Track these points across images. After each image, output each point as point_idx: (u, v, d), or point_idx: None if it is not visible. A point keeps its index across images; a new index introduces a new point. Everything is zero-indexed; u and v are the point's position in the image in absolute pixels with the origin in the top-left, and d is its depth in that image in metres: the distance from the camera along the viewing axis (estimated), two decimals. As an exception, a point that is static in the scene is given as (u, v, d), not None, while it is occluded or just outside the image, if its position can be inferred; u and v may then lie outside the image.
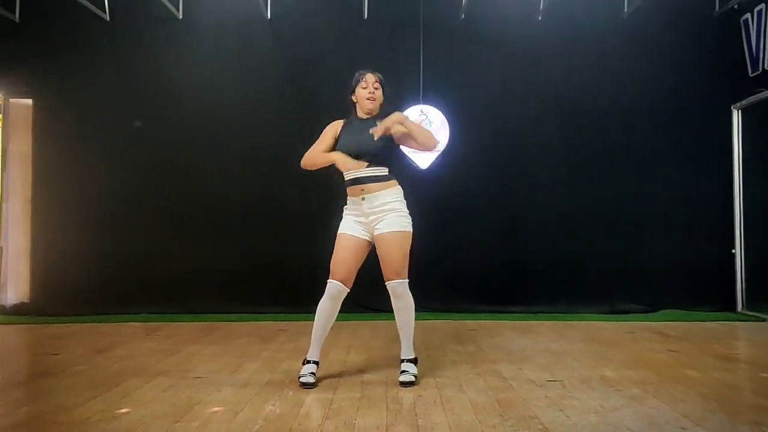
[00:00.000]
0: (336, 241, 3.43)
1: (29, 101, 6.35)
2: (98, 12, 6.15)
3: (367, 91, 3.45)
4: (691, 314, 5.93)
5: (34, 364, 4.05)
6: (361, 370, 3.68)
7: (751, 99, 5.96)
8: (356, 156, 3.36)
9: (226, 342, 4.62)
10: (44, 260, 6.26)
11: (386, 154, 3.42)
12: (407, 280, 3.37)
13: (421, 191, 5.97)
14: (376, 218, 3.36)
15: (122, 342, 4.60)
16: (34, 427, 2.63)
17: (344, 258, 3.36)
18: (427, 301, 6.08)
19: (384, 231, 3.34)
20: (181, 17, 6.33)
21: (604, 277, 6.23)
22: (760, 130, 6.02)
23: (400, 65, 6.25)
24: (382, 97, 3.51)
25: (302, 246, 6.14)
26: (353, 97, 3.53)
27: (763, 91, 5.79)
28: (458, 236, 6.18)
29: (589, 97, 6.26)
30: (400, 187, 3.45)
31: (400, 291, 3.35)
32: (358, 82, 3.49)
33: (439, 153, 6.15)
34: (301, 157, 3.56)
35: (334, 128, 3.54)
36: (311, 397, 3.08)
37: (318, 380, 3.34)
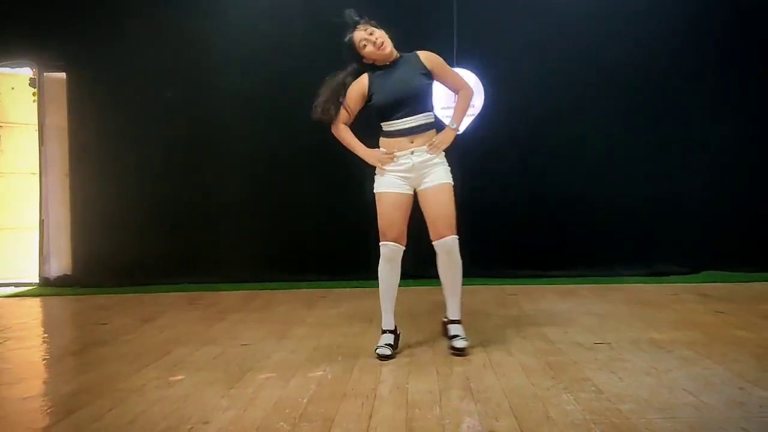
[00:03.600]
0: (378, 200, 3.27)
1: (63, 75, 6.37)
2: (131, -19, 6.11)
3: (371, 41, 3.23)
4: (732, 275, 5.82)
5: (84, 333, 4.14)
6: (406, 336, 3.68)
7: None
8: (397, 107, 3.20)
9: (269, 309, 4.66)
10: (84, 233, 6.35)
11: (430, 95, 3.27)
12: (457, 237, 3.26)
13: (456, 155, 5.94)
14: (426, 171, 3.23)
15: (166, 311, 4.67)
16: (94, 393, 2.69)
17: (393, 216, 3.22)
18: (465, 266, 6.08)
19: (434, 183, 3.22)
20: (213, -14, 6.26)
21: (643, 239, 6.13)
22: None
23: (434, 28, 6.11)
24: (384, 33, 3.28)
25: (339, 213, 6.15)
26: (364, 61, 3.31)
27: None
28: (494, 201, 6.10)
29: (627, 61, 6.01)
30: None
31: (453, 246, 3.22)
32: (353, 45, 3.29)
33: (474, 117, 6.06)
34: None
35: (360, 88, 3.29)
36: (361, 362, 3.10)
37: (395, 351, 3.25)
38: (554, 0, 6.12)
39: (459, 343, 3.18)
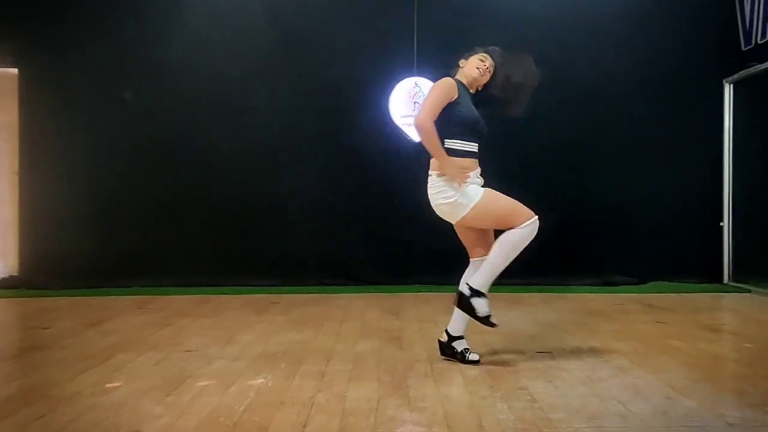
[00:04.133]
0: (490, 194, 3.28)
1: (15, 70, 6.24)
2: (85, -21, 6.03)
3: (484, 66, 3.35)
4: (679, 285, 5.99)
5: (24, 337, 4.06)
6: (354, 342, 3.70)
7: (743, 73, 5.94)
8: (478, 132, 3.30)
9: (218, 314, 4.63)
10: (33, 233, 6.22)
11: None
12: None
13: (414, 164, 5.98)
14: None
15: (113, 315, 4.60)
16: (25, 400, 2.64)
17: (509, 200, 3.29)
18: (423, 275, 6.14)
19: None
20: (170, -13, 6.21)
21: (594, 249, 6.28)
22: (751, 105, 6.02)
23: (395, 37, 6.19)
24: (471, 69, 3.38)
25: (295, 219, 6.18)
26: (462, 63, 3.40)
27: (755, 65, 5.77)
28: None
29: (582, 70, 6.22)
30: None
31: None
32: (475, 53, 3.40)
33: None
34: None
35: (449, 90, 3.21)
36: (303, 370, 3.10)
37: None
38: (513, 11, 6.22)
39: (472, 356, 3.27)
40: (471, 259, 3.45)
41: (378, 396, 2.69)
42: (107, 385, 2.84)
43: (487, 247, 3.32)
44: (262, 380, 2.92)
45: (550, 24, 6.21)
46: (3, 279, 6.13)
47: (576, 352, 3.45)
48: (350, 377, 2.98)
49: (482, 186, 3.32)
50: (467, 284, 3.23)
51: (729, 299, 5.50)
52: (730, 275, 6.21)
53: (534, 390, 2.76)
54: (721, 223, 6.26)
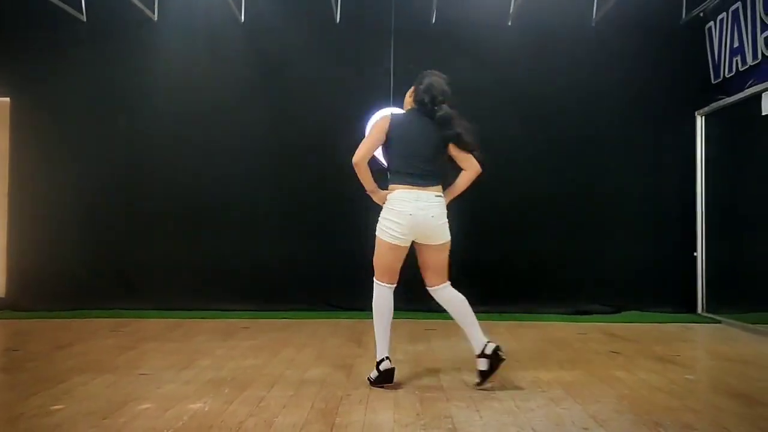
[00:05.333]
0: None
1: (7, 99, 6.48)
2: (75, 13, 6.26)
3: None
4: (652, 316, 6.03)
5: (-8, 359, 4.20)
6: (305, 369, 3.80)
7: (714, 105, 6.04)
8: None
9: (186, 339, 4.75)
10: (20, 255, 6.41)
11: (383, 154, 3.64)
12: (377, 281, 3.60)
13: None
14: None
15: (85, 338, 4.74)
16: (-31, 421, 2.77)
17: None
18: (395, 302, 6.22)
19: None
20: (156, 19, 6.44)
21: (567, 278, 6.33)
22: (722, 136, 6.11)
23: (372, 69, 6.37)
24: (408, 100, 3.66)
25: (273, 245, 6.32)
26: None
27: (723, 98, 5.87)
28: (425, 237, 6.28)
29: (556, 102, 6.35)
30: (393, 193, 3.50)
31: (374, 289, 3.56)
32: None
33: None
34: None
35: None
36: (245, 395, 3.21)
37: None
38: (488, 43, 6.37)
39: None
40: (430, 288, 3.67)
41: (304, 422, 2.79)
42: (51, 408, 2.96)
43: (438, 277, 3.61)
44: (201, 405, 3.04)
45: (524, 56, 6.35)
46: (-11, 300, 6.31)
47: (517, 382, 3.53)
48: (286, 403, 3.08)
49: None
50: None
51: (697, 330, 5.54)
52: (704, 306, 6.24)
53: (458, 419, 2.85)
54: (695, 254, 6.31)
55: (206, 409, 2.98)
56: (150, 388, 3.34)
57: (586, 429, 2.72)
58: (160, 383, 3.43)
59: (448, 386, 3.44)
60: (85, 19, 6.37)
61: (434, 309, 5.97)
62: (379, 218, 3.49)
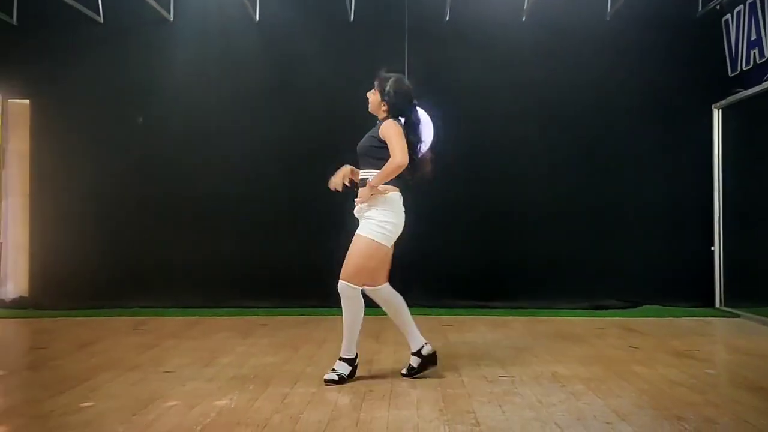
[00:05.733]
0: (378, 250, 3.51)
1: (27, 101, 6.58)
2: (92, 15, 6.35)
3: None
4: (669, 310, 6.03)
5: (19, 357, 4.29)
6: (326, 366, 3.83)
7: (731, 99, 6.01)
8: (359, 156, 3.60)
9: (205, 336, 4.82)
10: (42, 255, 6.51)
11: (375, 156, 3.49)
12: (350, 284, 3.43)
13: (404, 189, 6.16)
14: (361, 218, 3.53)
15: (107, 336, 4.81)
16: (2, 419, 2.83)
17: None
18: (409, 297, 6.25)
19: (358, 230, 3.50)
20: (172, 19, 6.51)
21: (585, 273, 6.35)
22: (738, 129, 6.08)
23: (385, 65, 6.35)
24: (376, 100, 3.68)
25: (289, 242, 6.37)
26: None
27: (740, 91, 5.85)
28: (441, 233, 6.31)
29: (572, 97, 6.36)
30: (389, 195, 3.46)
31: (341, 292, 3.46)
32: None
33: (422, 153, 6.25)
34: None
35: None
36: (269, 392, 3.25)
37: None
38: (501, 41, 6.38)
39: (329, 375, 3.47)
40: (376, 288, 3.57)
41: (329, 418, 2.83)
42: (80, 405, 3.02)
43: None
44: (226, 401, 3.09)
45: (539, 52, 6.36)
46: (13, 300, 6.41)
47: (537, 377, 3.55)
48: (310, 400, 3.13)
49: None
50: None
51: (715, 324, 5.53)
52: (722, 300, 6.23)
53: (481, 414, 2.88)
54: (713, 248, 6.29)
55: (232, 405, 3.03)
56: (174, 385, 3.39)
57: (608, 423, 2.74)
58: (184, 380, 3.48)
59: (469, 381, 3.46)
60: (102, 21, 6.45)
61: (450, 306, 6.09)
62: (377, 223, 3.42)
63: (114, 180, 6.50)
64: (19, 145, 6.58)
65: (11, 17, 6.36)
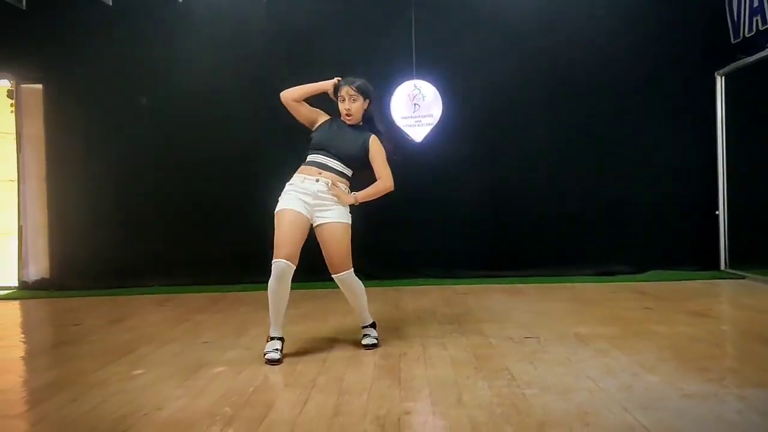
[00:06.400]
0: (277, 217, 3.45)
1: (39, 86, 6.63)
2: (101, -3, 6.38)
3: (344, 107, 3.57)
4: (676, 274, 6.19)
5: (56, 334, 4.42)
6: (355, 332, 3.99)
7: (733, 66, 6.13)
8: (336, 151, 3.52)
9: (232, 310, 4.96)
10: (61, 237, 6.62)
11: (359, 162, 3.57)
12: (351, 270, 3.52)
13: (416, 163, 6.27)
14: (322, 205, 3.46)
15: (135, 313, 4.95)
16: (60, 387, 2.98)
17: (289, 233, 3.37)
18: (422, 268, 6.43)
19: (329, 221, 3.46)
20: (181, 0, 6.54)
21: (592, 240, 6.50)
22: (741, 96, 6.21)
23: (394, 41, 6.46)
24: (362, 107, 3.61)
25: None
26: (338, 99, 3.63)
27: (743, 58, 5.96)
28: (451, 205, 6.44)
29: (576, 67, 6.46)
30: (348, 189, 3.58)
31: (348, 282, 3.51)
32: (338, 90, 3.61)
33: (432, 126, 6.38)
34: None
35: (319, 114, 3.70)
36: (308, 357, 3.41)
37: (284, 356, 3.39)
38: (509, 15, 6.46)
39: (366, 340, 3.61)
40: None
41: (372, 378, 2.99)
42: (132, 373, 3.17)
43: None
44: (269, 367, 3.24)
45: (544, 24, 6.44)
46: (35, 281, 6.53)
47: (562, 337, 3.72)
48: (349, 362, 3.29)
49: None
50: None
51: (723, 286, 5.71)
52: (727, 263, 6.41)
53: (515, 370, 3.05)
54: (717, 212, 6.46)
55: (276, 370, 3.18)
56: (216, 353, 3.54)
57: (636, 375, 2.91)
58: (224, 349, 3.63)
59: (497, 343, 3.62)
60: (111, 3, 6.47)
61: (463, 276, 6.25)
62: (345, 208, 3.54)
63: (128, 161, 6.58)
64: (34, 129, 6.64)
65: (21, 2, 6.38)
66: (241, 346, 3.71)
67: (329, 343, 3.74)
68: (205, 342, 3.85)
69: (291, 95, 3.66)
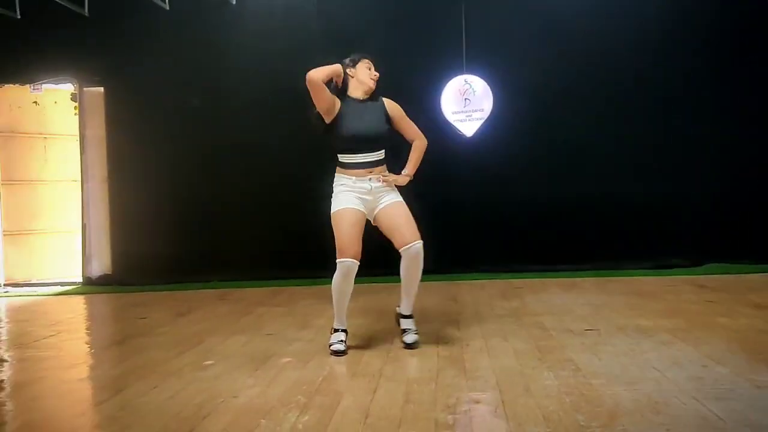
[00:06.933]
0: (336, 218, 3.47)
1: (101, 89, 6.89)
2: (158, 2, 6.57)
3: (373, 73, 3.60)
4: (734, 267, 6.06)
5: (126, 327, 4.59)
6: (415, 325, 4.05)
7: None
8: (368, 140, 3.50)
9: (292, 303, 5.08)
10: (122, 235, 6.86)
11: (387, 138, 3.60)
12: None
13: (466, 158, 6.30)
14: (381, 194, 3.53)
15: (198, 307, 5.11)
16: (138, 375, 3.12)
17: (351, 232, 3.41)
18: (476, 263, 6.45)
19: (392, 201, 3.53)
20: (234, 2, 6.70)
21: (648, 232, 6.41)
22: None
23: (444, 37, 6.48)
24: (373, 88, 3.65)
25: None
26: (350, 72, 3.62)
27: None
28: (505, 199, 6.43)
29: (630, 61, 6.35)
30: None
31: (420, 254, 3.43)
32: (361, 60, 3.63)
33: (483, 121, 6.38)
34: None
35: (335, 100, 3.58)
36: (371, 349, 3.48)
37: (348, 347, 3.45)
38: (559, 9, 6.41)
39: (409, 338, 3.48)
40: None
41: (438, 368, 3.05)
42: (204, 363, 3.30)
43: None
44: (334, 358, 3.32)
45: (596, 20, 6.36)
46: (99, 277, 6.78)
47: (622, 329, 3.71)
48: (412, 353, 3.35)
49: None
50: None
51: (786, 278, 5.58)
52: (788, 255, 6.24)
53: (579, 361, 3.06)
54: (779, 203, 6.30)
55: (342, 360, 3.26)
56: (281, 345, 3.65)
57: (705, 366, 2.89)
58: (288, 341, 3.74)
59: (557, 335, 3.64)
60: (167, 8, 6.67)
61: (517, 270, 6.24)
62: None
63: (186, 161, 6.77)
64: (96, 131, 6.89)
65: (83, 9, 6.63)
66: (305, 339, 3.81)
67: (391, 335, 3.80)
68: (269, 334, 3.96)
69: (320, 75, 3.47)
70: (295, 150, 6.66)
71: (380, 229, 3.59)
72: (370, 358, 3.28)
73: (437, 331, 3.87)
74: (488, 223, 6.41)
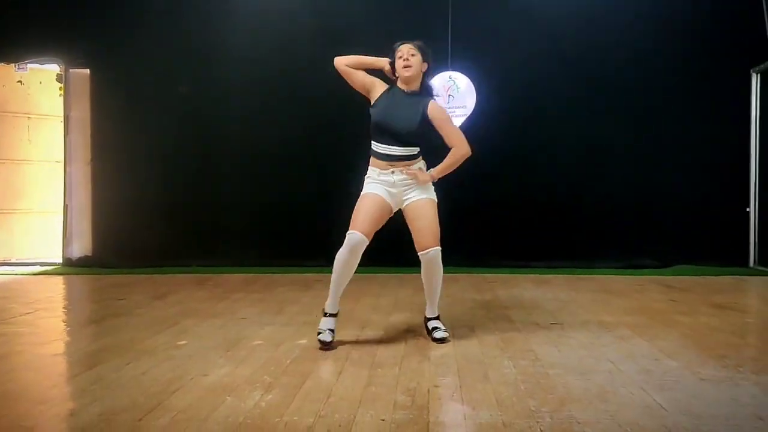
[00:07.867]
0: (360, 200, 3.46)
1: (87, 71, 6.92)
2: (148, -15, 6.63)
3: (402, 59, 3.44)
4: (703, 269, 6.25)
5: (103, 307, 4.66)
6: (388, 314, 4.17)
7: (769, 63, 6.14)
8: (391, 132, 3.41)
9: (268, 290, 5.17)
10: (104, 217, 6.92)
11: (419, 137, 3.47)
12: (440, 248, 3.41)
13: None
14: (407, 188, 3.45)
15: (177, 290, 5.19)
16: (113, 352, 3.20)
17: (368, 211, 3.37)
18: (452, 257, 6.54)
19: (417, 198, 3.44)
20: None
21: (621, 233, 6.58)
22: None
23: (430, 33, 6.54)
24: (421, 64, 3.47)
25: (343, 210, 6.65)
26: (393, 71, 3.54)
27: (779, 55, 5.97)
28: (483, 195, 6.57)
29: (610, 62, 6.53)
30: (423, 162, 3.53)
31: (435, 260, 3.40)
32: (395, 50, 3.50)
33: (465, 117, 6.50)
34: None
35: (375, 83, 3.56)
36: (341, 334, 3.58)
37: (338, 331, 3.43)
38: (543, 8, 6.54)
39: (438, 334, 3.43)
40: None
41: (403, 354, 3.16)
42: (178, 343, 3.39)
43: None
44: (305, 341, 3.42)
45: (580, 18, 6.51)
46: (79, 258, 6.83)
47: (585, 324, 3.84)
48: (381, 340, 3.46)
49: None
50: None
51: (750, 282, 5.75)
52: (756, 260, 6.43)
53: (539, 352, 3.19)
54: (748, 209, 6.48)
55: (312, 344, 3.36)
56: (254, 329, 3.74)
57: (656, 360, 3.03)
58: (261, 325, 3.84)
59: (523, 327, 3.77)
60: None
61: (492, 265, 6.37)
62: (430, 186, 3.55)
63: (169, 146, 6.84)
64: (81, 113, 6.93)
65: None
66: (278, 323, 3.90)
67: (362, 322, 3.91)
68: (243, 318, 4.05)
69: (343, 60, 3.58)
70: (279, 138, 6.75)
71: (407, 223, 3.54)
72: (339, 343, 3.38)
73: (408, 320, 3.99)
74: (465, 217, 6.52)
